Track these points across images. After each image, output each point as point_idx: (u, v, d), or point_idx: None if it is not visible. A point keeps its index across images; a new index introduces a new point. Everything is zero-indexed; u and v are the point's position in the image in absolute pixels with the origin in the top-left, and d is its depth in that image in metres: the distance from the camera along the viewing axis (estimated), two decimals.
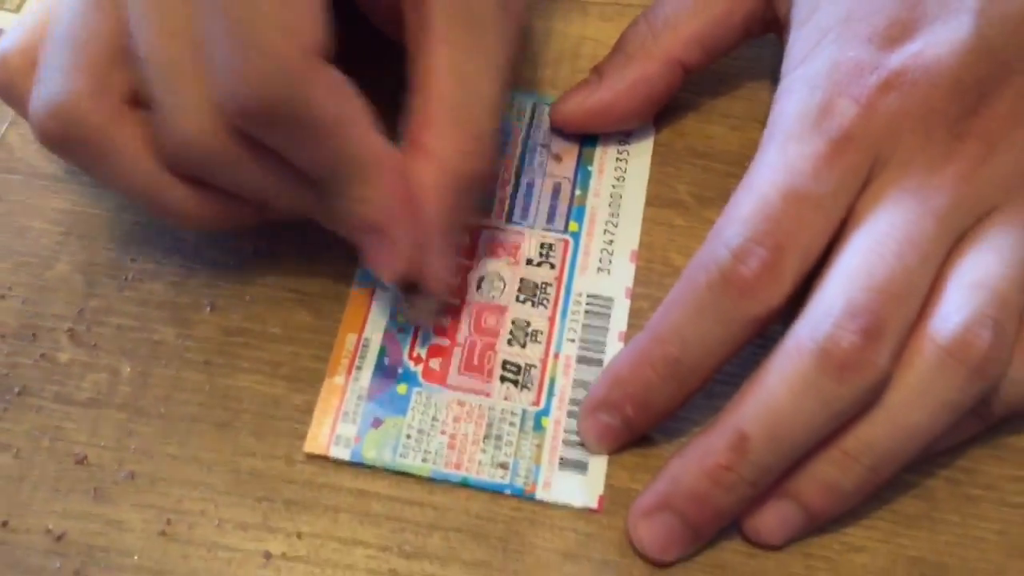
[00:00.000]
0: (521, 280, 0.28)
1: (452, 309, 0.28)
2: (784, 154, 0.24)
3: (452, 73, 0.24)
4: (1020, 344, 0.24)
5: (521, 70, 0.32)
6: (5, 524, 0.24)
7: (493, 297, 0.28)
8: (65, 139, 0.23)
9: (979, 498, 0.26)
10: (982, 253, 0.24)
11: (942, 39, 0.24)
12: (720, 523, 0.24)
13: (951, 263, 0.24)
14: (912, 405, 0.23)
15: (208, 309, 0.27)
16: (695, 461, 0.24)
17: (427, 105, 0.24)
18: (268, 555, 0.24)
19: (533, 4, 0.34)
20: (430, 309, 0.27)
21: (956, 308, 0.23)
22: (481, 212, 0.29)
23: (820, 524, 0.25)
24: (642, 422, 0.25)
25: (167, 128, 0.23)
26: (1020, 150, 0.24)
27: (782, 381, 0.23)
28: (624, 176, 0.30)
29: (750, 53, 0.32)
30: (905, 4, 0.25)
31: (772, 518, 0.24)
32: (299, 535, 0.24)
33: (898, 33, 0.25)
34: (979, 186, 0.24)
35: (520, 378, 0.27)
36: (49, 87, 0.23)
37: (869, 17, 0.25)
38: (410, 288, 0.25)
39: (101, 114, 0.23)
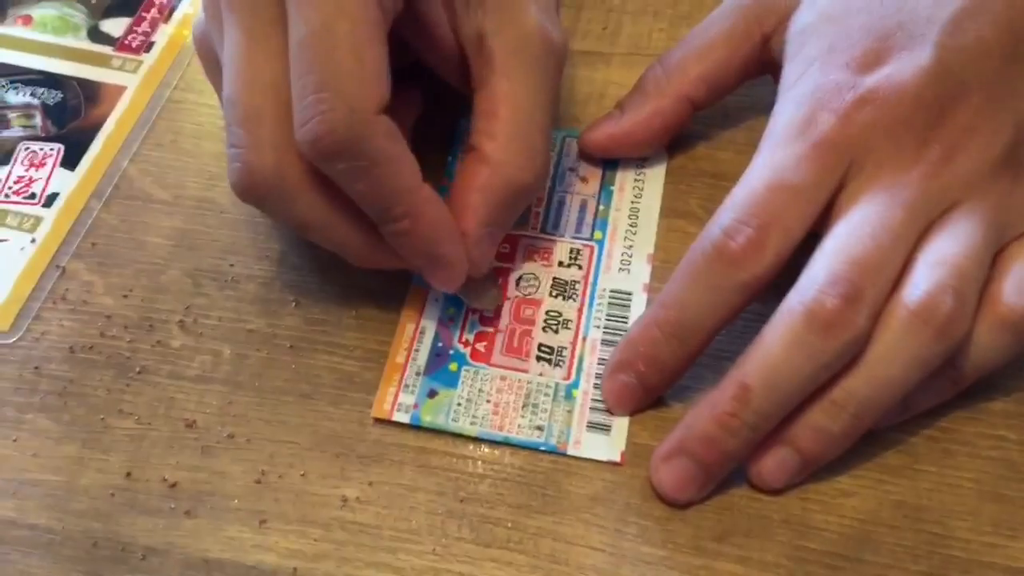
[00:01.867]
0: (554, 279, 0.33)
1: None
2: (772, 156, 0.29)
3: (511, 100, 0.29)
4: (983, 314, 0.28)
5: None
6: (129, 475, 0.29)
7: (530, 293, 0.33)
8: (262, 202, 0.29)
9: (956, 452, 0.30)
10: (946, 238, 0.28)
11: (908, 65, 0.29)
12: (728, 465, 0.28)
13: (920, 247, 0.28)
14: (888, 360, 0.27)
15: (293, 304, 0.33)
16: (706, 410, 0.28)
17: (491, 124, 0.29)
18: (345, 499, 0.29)
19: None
20: (490, 296, 0.32)
21: (923, 279, 0.27)
22: (519, 224, 0.34)
23: (813, 468, 0.29)
24: (653, 379, 0.29)
25: (240, 161, 0.28)
26: (978, 155, 0.28)
27: (777, 340, 0.27)
28: (641, 193, 0.35)
29: (751, 92, 0.37)
30: (877, 37, 0.29)
31: (772, 463, 0.28)
32: (370, 483, 0.29)
33: (872, 60, 0.29)
34: (942, 184, 0.28)
35: (553, 357, 0.31)
36: (236, 162, 0.28)
37: (848, 49, 0.30)
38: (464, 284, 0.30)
39: (284, 173, 0.28)
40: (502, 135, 0.29)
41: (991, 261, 0.28)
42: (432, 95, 0.34)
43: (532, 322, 0.32)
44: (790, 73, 0.31)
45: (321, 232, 0.29)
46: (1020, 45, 0.29)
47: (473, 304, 0.32)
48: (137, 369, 0.31)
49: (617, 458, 0.30)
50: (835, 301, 0.26)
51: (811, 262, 0.28)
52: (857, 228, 0.27)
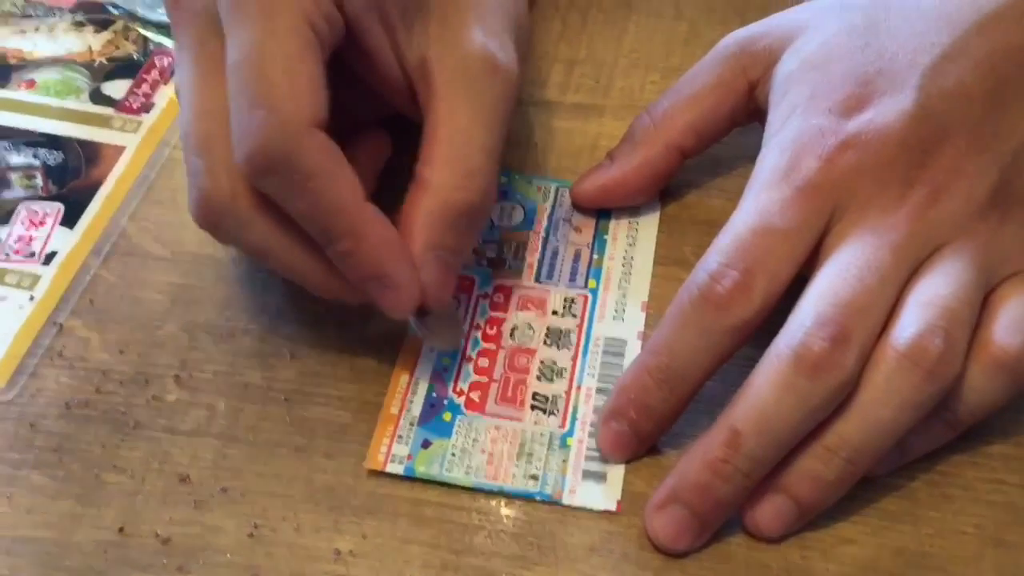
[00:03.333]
0: (548, 328, 0.33)
1: (489, 352, 0.33)
2: (757, 200, 0.29)
3: (448, 122, 0.29)
4: (975, 355, 0.28)
5: (549, 161, 0.38)
6: (121, 530, 0.29)
7: (524, 342, 0.33)
8: (217, 228, 0.29)
9: (957, 497, 0.29)
10: (934, 278, 0.28)
11: (890, 109, 0.29)
12: (722, 512, 0.28)
13: (909, 288, 0.28)
14: (879, 403, 0.27)
15: (288, 357, 0.33)
16: (697, 457, 0.28)
17: (428, 148, 0.29)
18: (338, 552, 0.29)
19: (529, 78, 0.40)
20: (450, 334, 0.32)
21: (912, 321, 0.27)
22: (513, 274, 0.35)
23: (810, 515, 0.28)
24: (645, 426, 0.29)
25: (196, 187, 0.28)
26: (964, 197, 0.28)
27: (766, 383, 0.27)
28: (635, 242, 0.36)
29: (741, 140, 0.37)
30: (859, 83, 0.30)
31: (768, 511, 0.28)
32: (364, 536, 0.29)
33: (854, 105, 0.30)
34: (928, 225, 0.28)
35: (548, 406, 0.31)
36: (194, 188, 0.29)
37: (830, 94, 0.30)
38: (419, 313, 0.30)
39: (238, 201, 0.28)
40: (438, 158, 0.29)
41: (981, 302, 0.28)
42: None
43: (526, 371, 0.32)
44: (774, 120, 0.32)
45: (278, 259, 0.29)
46: (1001, 88, 0.29)
47: (431, 343, 0.31)
48: (132, 424, 0.31)
49: (613, 507, 0.29)
50: (823, 343, 0.26)
51: (798, 305, 0.28)
52: (844, 270, 0.28)
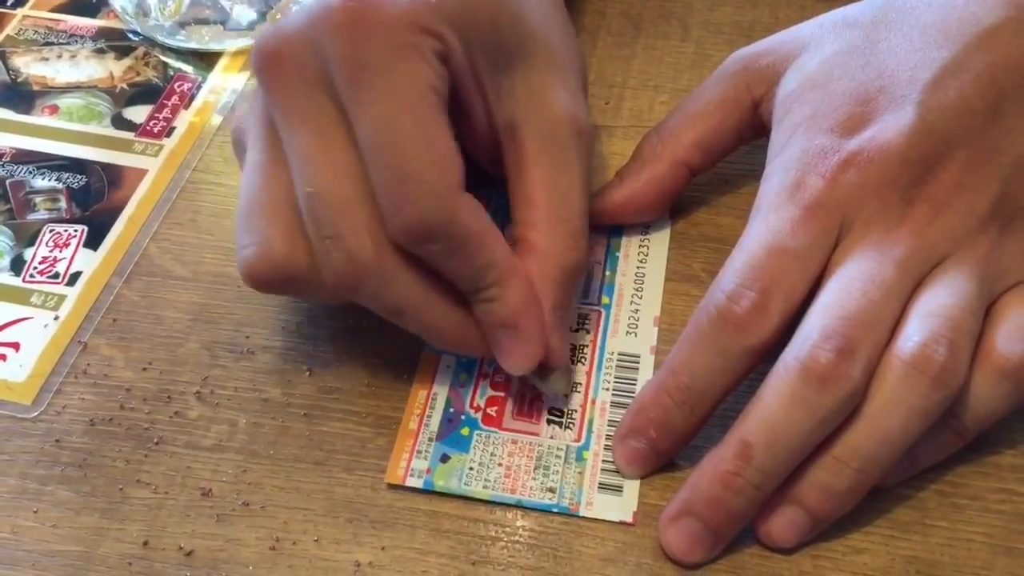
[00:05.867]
0: None
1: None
2: (767, 221, 0.30)
3: (546, 187, 0.30)
4: (979, 364, 0.28)
5: None
6: (145, 543, 0.30)
7: None
8: (271, 288, 0.29)
9: (965, 507, 0.30)
10: (937, 290, 0.28)
11: (891, 126, 0.29)
12: (735, 525, 0.28)
13: (912, 301, 0.28)
14: (887, 412, 0.27)
15: (307, 373, 0.33)
16: (709, 469, 0.28)
17: (530, 213, 0.30)
18: (358, 564, 0.29)
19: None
20: (564, 381, 0.32)
21: (916, 331, 0.27)
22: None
23: (822, 526, 0.29)
24: (664, 444, 0.30)
25: (341, 250, 0.28)
26: (965, 211, 0.29)
27: (775, 396, 0.27)
28: (646, 259, 0.36)
29: (750, 159, 0.38)
30: (860, 102, 0.31)
31: (781, 522, 0.28)
32: (383, 548, 0.29)
33: (855, 124, 0.30)
34: (930, 240, 0.29)
35: (563, 420, 0.32)
36: (244, 254, 0.29)
37: (831, 113, 0.31)
38: (540, 370, 0.31)
39: (294, 266, 0.29)
40: (543, 223, 0.30)
41: (984, 313, 0.28)
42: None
43: None
44: (777, 139, 0.32)
45: (414, 314, 0.29)
46: (1002, 101, 0.29)
47: (548, 391, 0.32)
48: (155, 440, 0.32)
49: (629, 518, 0.30)
50: (829, 355, 0.27)
51: (805, 319, 0.28)
52: (849, 284, 0.28)
